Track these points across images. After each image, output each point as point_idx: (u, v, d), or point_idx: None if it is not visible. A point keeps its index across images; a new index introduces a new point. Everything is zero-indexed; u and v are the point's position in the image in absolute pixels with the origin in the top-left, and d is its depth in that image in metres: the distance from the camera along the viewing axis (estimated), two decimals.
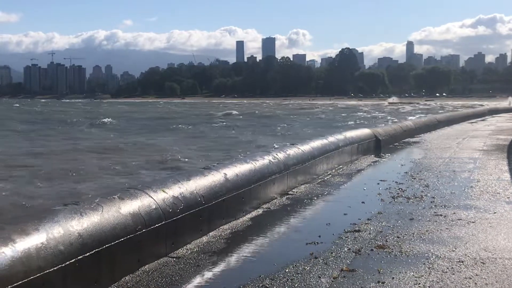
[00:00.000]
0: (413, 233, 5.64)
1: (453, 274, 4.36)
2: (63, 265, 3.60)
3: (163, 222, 4.78)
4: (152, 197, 4.83)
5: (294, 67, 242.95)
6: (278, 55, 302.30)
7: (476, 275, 4.33)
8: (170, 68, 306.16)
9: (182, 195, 5.23)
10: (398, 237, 5.48)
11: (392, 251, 4.99)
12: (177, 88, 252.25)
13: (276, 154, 8.08)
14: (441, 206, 7.04)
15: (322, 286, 4.14)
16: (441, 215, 6.50)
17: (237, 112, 74.14)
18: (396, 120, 39.81)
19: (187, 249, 5.06)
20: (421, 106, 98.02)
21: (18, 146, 26.51)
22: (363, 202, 7.40)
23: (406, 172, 10.25)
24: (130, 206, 4.52)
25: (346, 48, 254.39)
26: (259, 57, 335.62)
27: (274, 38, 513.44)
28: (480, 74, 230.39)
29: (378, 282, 4.18)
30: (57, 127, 44.28)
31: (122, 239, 4.21)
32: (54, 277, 3.51)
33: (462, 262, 4.66)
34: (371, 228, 5.89)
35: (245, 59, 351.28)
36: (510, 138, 16.92)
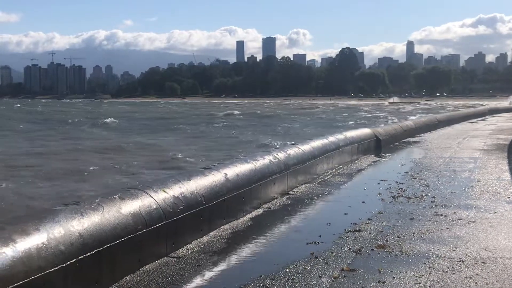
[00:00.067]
0: (413, 233, 5.64)
1: (454, 273, 4.36)
2: (64, 265, 3.60)
3: (164, 222, 4.78)
4: (152, 197, 4.83)
5: (295, 67, 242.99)
6: (279, 55, 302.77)
7: (477, 274, 4.33)
8: (171, 68, 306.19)
9: (182, 195, 5.23)
10: (398, 237, 5.48)
11: (393, 251, 4.99)
12: (177, 88, 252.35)
13: (277, 154, 8.08)
14: (442, 205, 7.04)
15: (323, 285, 4.14)
16: (441, 214, 6.50)
17: (238, 112, 74.16)
18: (396, 120, 39.80)
19: (188, 249, 5.07)
20: (421, 106, 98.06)
21: (21, 146, 26.57)
22: (363, 202, 7.40)
23: (407, 172, 10.25)
24: (131, 206, 4.52)
25: (346, 48, 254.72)
26: (259, 57, 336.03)
27: (275, 38, 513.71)
28: (481, 73, 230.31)
29: (379, 281, 4.18)
30: (58, 127, 44.35)
31: (122, 239, 4.22)
32: (55, 277, 3.52)
33: (463, 261, 4.66)
34: (372, 227, 5.89)
35: (246, 59, 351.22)
36: (510, 138, 16.91)
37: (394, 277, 4.27)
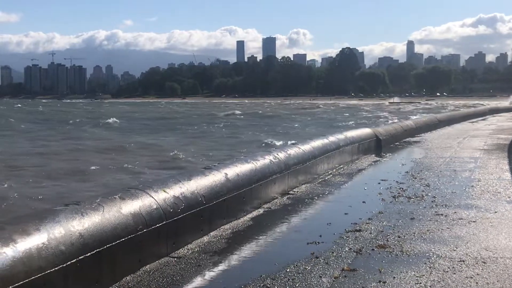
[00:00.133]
0: (414, 233, 5.63)
1: (454, 273, 4.35)
2: (64, 265, 3.60)
3: (164, 222, 4.78)
4: (153, 197, 4.83)
5: (295, 67, 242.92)
6: (279, 55, 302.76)
7: (477, 274, 4.33)
8: (171, 68, 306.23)
9: (183, 195, 5.23)
10: (399, 237, 5.48)
11: (393, 251, 4.99)
12: (177, 88, 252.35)
13: (277, 154, 8.08)
14: (442, 205, 7.03)
15: (323, 285, 4.14)
16: (442, 214, 6.49)
17: (239, 112, 74.15)
18: (397, 119, 39.78)
19: (188, 249, 5.06)
20: (422, 106, 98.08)
21: (22, 146, 26.58)
22: (364, 202, 7.40)
23: (407, 172, 10.25)
24: (131, 206, 4.52)
25: (346, 47, 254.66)
26: (259, 57, 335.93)
27: (275, 38, 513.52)
28: (481, 73, 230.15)
29: (379, 281, 4.17)
30: (60, 127, 44.35)
31: (123, 239, 4.22)
32: (55, 277, 3.51)
33: (463, 261, 4.66)
34: (372, 227, 5.89)
35: (246, 59, 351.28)
36: (510, 138, 16.90)
37: (394, 277, 4.27)
